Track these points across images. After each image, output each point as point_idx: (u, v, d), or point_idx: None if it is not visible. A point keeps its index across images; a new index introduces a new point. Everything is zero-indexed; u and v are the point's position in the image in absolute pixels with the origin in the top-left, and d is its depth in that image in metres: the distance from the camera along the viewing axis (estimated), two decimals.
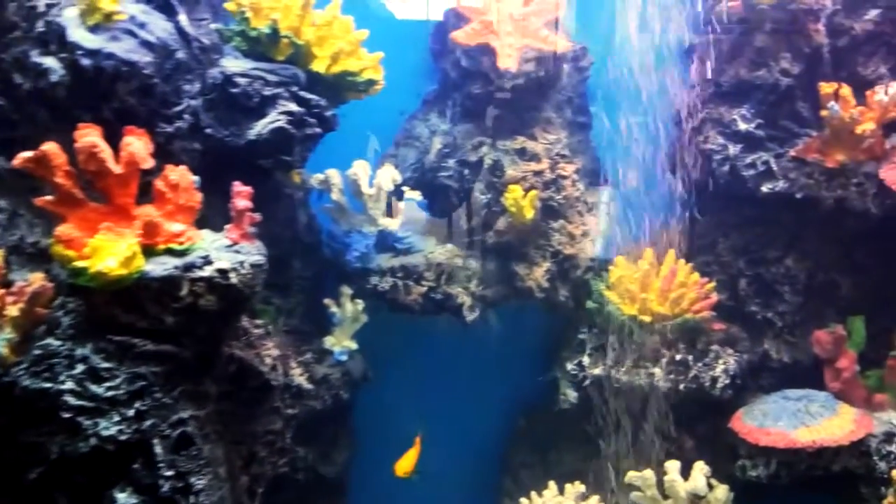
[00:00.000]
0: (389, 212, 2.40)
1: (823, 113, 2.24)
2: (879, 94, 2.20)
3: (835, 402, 2.33)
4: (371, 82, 2.04)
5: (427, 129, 2.50)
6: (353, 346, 2.39)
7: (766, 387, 2.56)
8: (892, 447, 2.25)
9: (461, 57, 2.35)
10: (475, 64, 2.31)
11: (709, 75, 2.39)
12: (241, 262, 1.71)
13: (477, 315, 2.41)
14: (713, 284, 2.49)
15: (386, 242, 2.41)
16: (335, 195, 2.34)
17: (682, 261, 2.49)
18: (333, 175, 2.33)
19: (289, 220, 2.27)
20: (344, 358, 2.38)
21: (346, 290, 2.36)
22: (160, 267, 1.67)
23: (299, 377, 2.29)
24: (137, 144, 1.64)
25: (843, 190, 2.29)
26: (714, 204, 2.58)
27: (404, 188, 2.40)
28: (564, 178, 2.38)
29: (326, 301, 2.35)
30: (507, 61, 2.18)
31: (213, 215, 1.83)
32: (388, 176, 2.36)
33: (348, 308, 2.36)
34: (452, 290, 2.41)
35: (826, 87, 2.24)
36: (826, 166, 2.29)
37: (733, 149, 2.40)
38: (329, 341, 2.37)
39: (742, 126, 2.38)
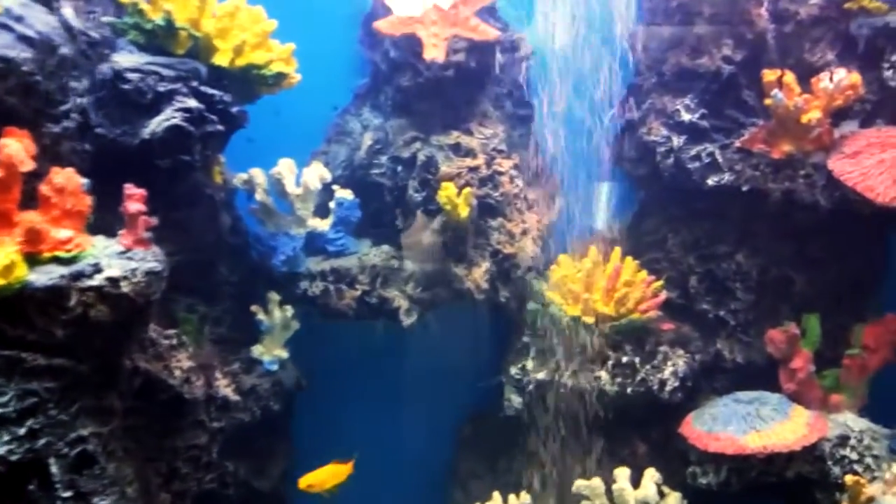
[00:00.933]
0: (321, 212, 2.29)
1: (768, 102, 2.14)
2: (825, 82, 2.10)
3: (788, 405, 2.23)
4: (281, 76, 1.93)
5: (359, 124, 2.38)
6: (284, 354, 2.28)
7: (720, 388, 2.47)
8: (847, 451, 2.15)
9: (390, 48, 2.24)
10: (403, 55, 2.20)
11: (650, 64, 2.29)
12: (134, 270, 1.59)
13: (415, 319, 2.30)
14: (661, 283, 2.39)
15: (316, 244, 2.29)
16: (259, 195, 2.22)
17: (629, 258, 2.39)
18: (257, 174, 2.21)
19: (211, 222, 2.15)
20: (274, 367, 2.26)
21: (274, 297, 2.24)
22: (45, 276, 1.55)
23: (225, 388, 2.18)
24: (15, 146, 1.52)
25: (790, 182, 2.19)
26: (662, 198, 2.49)
27: (335, 187, 2.28)
28: (501, 174, 2.27)
29: (253, 308, 2.23)
30: (434, 51, 2.07)
31: (114, 220, 1.71)
32: (316, 174, 2.24)
33: (277, 315, 2.25)
34: (388, 294, 2.29)
35: (769, 75, 2.14)
36: (772, 157, 2.19)
37: (677, 140, 2.30)
38: (258, 350, 2.25)
39: (685, 116, 2.28)
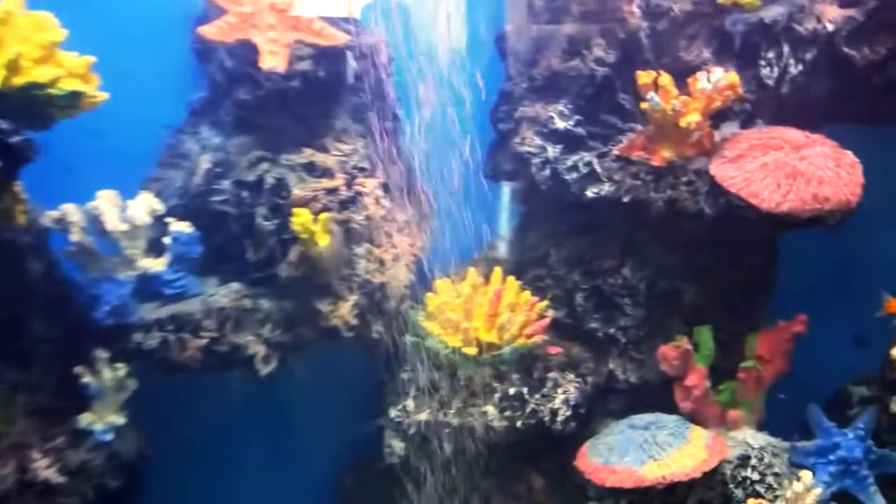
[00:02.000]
0: (154, 250, 1.97)
1: (644, 105, 1.99)
2: (702, 82, 1.97)
3: (685, 428, 2.09)
4: (75, 95, 1.60)
5: (197, 144, 2.06)
6: (120, 420, 1.93)
7: (616, 411, 2.31)
8: (748, 472, 2.03)
9: (225, 57, 1.95)
10: (240, 65, 1.92)
11: (520, 68, 2.11)
12: None
13: (274, 366, 2.01)
14: (546, 303, 2.22)
15: (151, 288, 1.97)
16: (75, 235, 1.87)
17: (512, 278, 2.20)
18: (70, 211, 1.86)
19: (13, 272, 1.80)
20: (108, 437, 1.91)
21: (102, 354, 1.90)
22: None
23: (46, 470, 1.82)
24: None
25: (672, 190, 2.04)
26: (542, 211, 2.30)
27: (169, 219, 1.97)
28: (365, 194, 2.02)
29: (77, 370, 1.89)
30: (272, 60, 1.80)
31: None
32: (145, 206, 1.92)
33: (107, 375, 1.90)
34: (241, 340, 1.99)
35: (644, 76, 1.98)
36: (652, 165, 2.04)
37: (552, 150, 2.12)
38: (86, 419, 1.90)
39: (560, 124, 2.10)
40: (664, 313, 2.28)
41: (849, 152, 2.06)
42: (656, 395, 2.25)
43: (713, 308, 2.29)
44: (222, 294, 2.02)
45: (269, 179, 1.98)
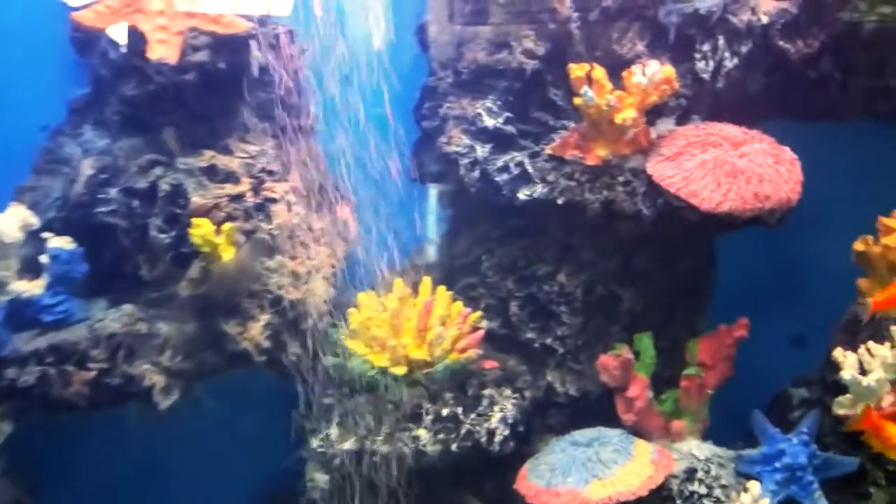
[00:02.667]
0: (30, 270, 1.71)
1: (577, 101, 1.87)
2: (637, 76, 1.85)
3: (629, 442, 1.98)
4: None
5: (79, 147, 1.83)
6: None
7: (556, 426, 2.18)
8: (695, 486, 1.93)
9: (108, 47, 1.71)
10: (126, 56, 1.68)
11: (444, 61, 1.95)
12: None
13: (176, 398, 1.78)
14: (479, 313, 2.06)
15: (26, 315, 1.71)
16: None
17: (442, 288, 2.04)
18: None
19: None
20: None
21: None
22: None
23: None
24: None
25: (609, 191, 1.92)
26: (473, 215, 2.15)
27: (46, 234, 1.72)
28: (275, 201, 1.82)
29: None
30: (162, 50, 1.58)
31: None
32: (16, 220, 1.67)
33: None
34: (136, 370, 1.76)
35: (576, 70, 1.86)
36: (587, 164, 1.92)
37: (482, 150, 1.97)
38: None
39: (488, 121, 1.96)
40: (603, 320, 2.17)
41: (787, 149, 2.00)
42: (597, 408, 2.14)
43: (652, 313, 2.19)
44: (113, 318, 1.79)
45: (164, 186, 1.76)
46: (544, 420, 2.20)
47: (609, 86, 1.85)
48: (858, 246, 2.13)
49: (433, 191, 2.18)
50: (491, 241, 2.15)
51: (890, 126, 2.27)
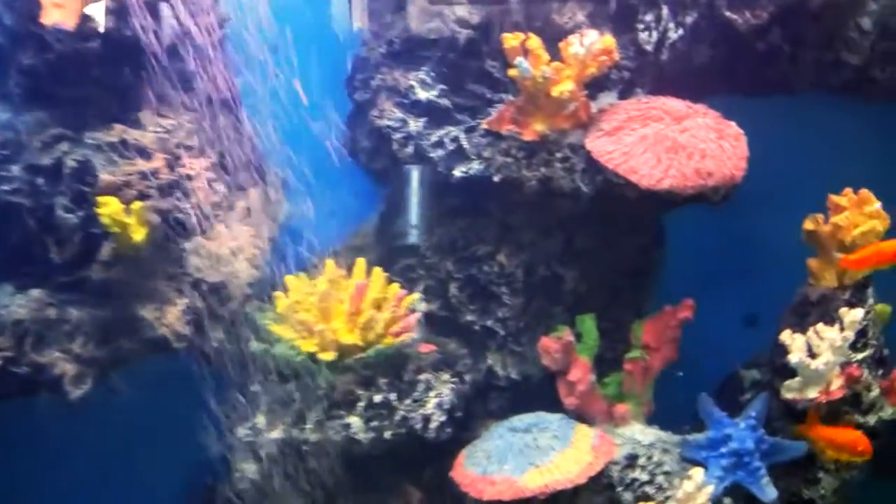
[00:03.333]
0: None
1: (512, 73, 1.78)
2: (575, 46, 1.77)
3: (569, 428, 1.91)
4: None
5: None
6: None
7: (497, 411, 2.12)
8: (637, 472, 1.89)
9: (2, 12, 1.59)
10: (22, 22, 1.56)
11: (376, 30, 1.85)
12: None
13: (88, 387, 1.68)
14: (416, 296, 1.98)
15: None
16: None
17: (378, 270, 1.95)
18: None
19: None
20: None
21: None
22: None
23: None
24: None
25: (547, 167, 1.84)
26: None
27: None
28: (192, 178, 1.72)
29: None
30: (57, 14, 1.46)
31: None
32: None
33: None
34: (45, 358, 1.66)
35: (511, 39, 1.76)
36: (524, 140, 1.84)
37: (415, 124, 1.88)
38: None
39: (422, 94, 1.87)
40: (545, 301, 2.10)
41: (733, 123, 1.93)
42: (540, 392, 2.08)
43: (596, 294, 2.13)
44: (19, 304, 1.67)
45: (70, 162, 1.64)
46: (485, 405, 2.14)
47: (546, 57, 1.76)
48: (808, 225, 2.08)
49: (367, 169, 2.09)
50: (429, 221, 2.08)
51: (842, 99, 2.22)
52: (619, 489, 1.87)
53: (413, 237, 1.99)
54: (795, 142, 2.24)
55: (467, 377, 2.07)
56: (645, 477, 1.89)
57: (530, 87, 1.77)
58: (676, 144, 1.78)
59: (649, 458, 1.91)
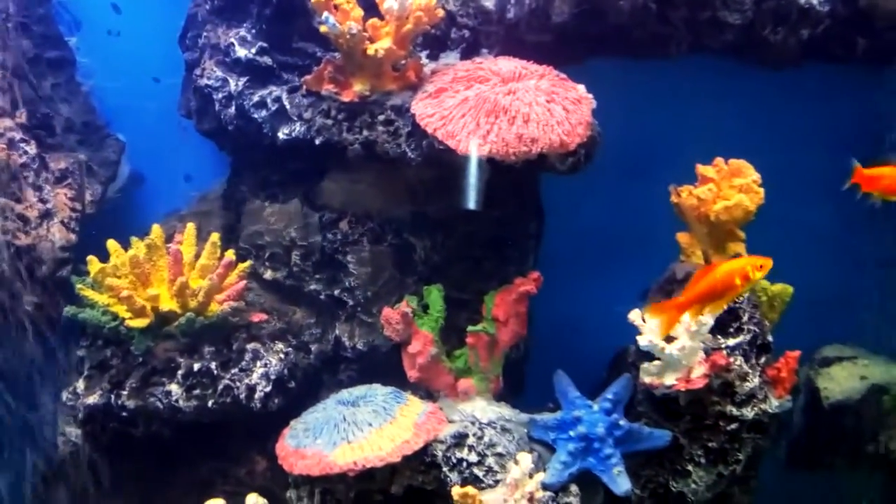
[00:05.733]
0: None
1: (323, 29, 1.66)
2: (388, 2, 1.64)
3: (396, 403, 1.81)
4: None
5: None
6: None
7: (346, 381, 2.05)
8: (464, 452, 1.75)
9: None
10: None
11: None
12: None
13: None
14: (247, 264, 1.91)
15: None
16: None
17: (216, 235, 1.88)
18: None
19: None
20: None
21: None
22: None
23: None
24: None
25: (369, 130, 1.74)
26: (250, 157, 1.98)
27: None
28: None
29: None
30: None
31: None
32: None
33: None
34: None
35: None
36: (343, 100, 1.74)
37: (235, 83, 1.79)
38: None
39: (241, 52, 1.77)
40: (396, 271, 2.01)
41: (579, 86, 1.77)
42: (388, 363, 2.00)
43: (455, 265, 2.02)
44: None
45: None
46: (335, 375, 2.08)
47: (357, 12, 1.65)
48: (673, 198, 1.95)
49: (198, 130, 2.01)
50: (273, 186, 1.99)
51: (724, 61, 2.05)
52: (445, 469, 1.76)
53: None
54: (676, 107, 2.10)
55: (313, 347, 2.03)
56: (473, 458, 1.75)
57: (344, 45, 1.66)
58: (497, 108, 1.64)
59: (479, 437, 1.78)
